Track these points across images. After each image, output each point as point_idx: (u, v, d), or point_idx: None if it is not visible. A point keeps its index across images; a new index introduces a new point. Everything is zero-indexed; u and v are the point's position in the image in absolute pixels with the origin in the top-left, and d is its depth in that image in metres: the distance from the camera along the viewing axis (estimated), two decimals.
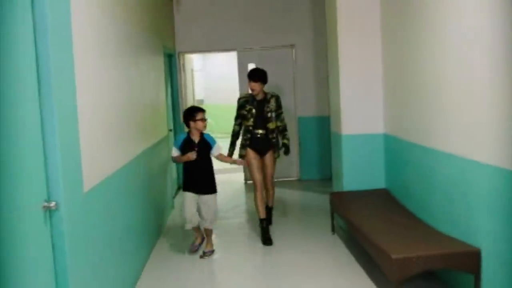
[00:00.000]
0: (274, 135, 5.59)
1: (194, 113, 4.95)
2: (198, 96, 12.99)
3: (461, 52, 3.60)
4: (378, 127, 5.49)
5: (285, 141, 5.66)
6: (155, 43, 6.20)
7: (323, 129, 8.10)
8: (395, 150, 5.16)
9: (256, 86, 5.45)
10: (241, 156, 5.56)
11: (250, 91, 5.54)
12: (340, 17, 5.45)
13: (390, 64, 5.21)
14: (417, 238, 3.86)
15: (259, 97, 5.54)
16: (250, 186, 8.25)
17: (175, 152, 5.04)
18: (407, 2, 4.61)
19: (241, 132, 5.66)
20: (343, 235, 5.40)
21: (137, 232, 4.53)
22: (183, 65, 8.56)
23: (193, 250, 5.13)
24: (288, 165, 8.41)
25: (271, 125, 5.54)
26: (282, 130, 5.66)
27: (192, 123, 4.93)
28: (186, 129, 5.17)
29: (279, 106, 5.60)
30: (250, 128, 5.52)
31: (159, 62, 6.47)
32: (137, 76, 4.92)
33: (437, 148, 4.09)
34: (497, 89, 3.15)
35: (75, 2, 3.01)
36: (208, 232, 5.11)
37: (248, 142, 5.54)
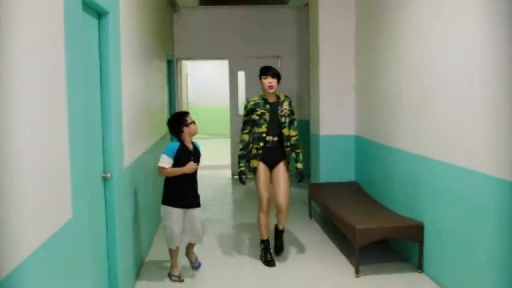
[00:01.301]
0: (288, 143, 4.88)
1: (184, 117, 4.46)
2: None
3: (414, 71, 4.66)
4: (350, 129, 6.56)
5: (299, 165, 4.95)
6: (161, 50, 7.14)
7: (304, 131, 9.11)
8: (364, 149, 6.20)
9: (274, 82, 4.76)
10: (254, 168, 4.86)
11: (267, 90, 4.80)
12: (321, 36, 6.51)
13: (361, 77, 6.27)
14: (377, 216, 4.89)
15: (272, 99, 4.84)
16: (237, 181, 9.29)
17: (167, 163, 4.32)
18: (376, 26, 5.67)
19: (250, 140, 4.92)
20: (319, 220, 6.40)
21: (149, 209, 5.47)
22: (180, 70, 9.52)
23: (195, 268, 4.75)
24: None
25: (286, 131, 4.84)
26: (295, 145, 4.96)
27: (185, 129, 4.37)
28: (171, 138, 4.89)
29: (292, 111, 4.91)
30: (264, 135, 4.78)
31: (163, 67, 7.41)
32: (151, 80, 5.86)
33: (396, 147, 5.14)
34: (444, 98, 4.21)
35: (123, 25, 3.97)
36: (193, 246, 4.75)
37: (261, 152, 4.82)
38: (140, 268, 4.73)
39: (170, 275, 4.52)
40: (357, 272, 4.49)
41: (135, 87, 4.73)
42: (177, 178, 4.35)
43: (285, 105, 4.84)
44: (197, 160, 4.47)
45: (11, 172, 1.77)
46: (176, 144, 4.38)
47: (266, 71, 4.80)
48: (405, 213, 4.84)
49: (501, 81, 3.32)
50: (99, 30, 3.46)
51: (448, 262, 4.09)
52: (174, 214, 4.37)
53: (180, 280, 4.48)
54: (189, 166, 4.35)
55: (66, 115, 2.41)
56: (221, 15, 9.41)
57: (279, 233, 5.07)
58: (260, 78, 4.86)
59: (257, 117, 4.77)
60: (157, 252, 5.23)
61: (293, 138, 4.93)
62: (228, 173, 9.94)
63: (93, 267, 2.98)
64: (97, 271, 3.23)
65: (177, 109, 9.04)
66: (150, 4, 5.91)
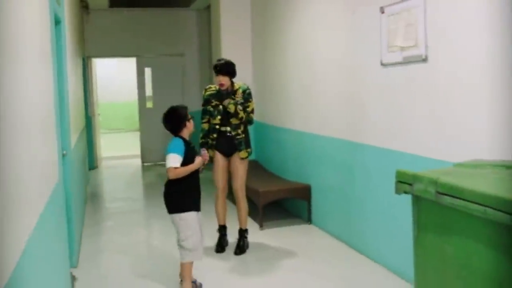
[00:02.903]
0: (239, 131, 4.90)
1: (186, 111, 4.00)
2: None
3: (302, 66, 5.95)
4: None
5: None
6: (78, 49, 7.88)
7: None
8: (261, 131, 7.43)
9: (226, 80, 4.81)
10: (210, 158, 4.83)
11: (218, 86, 4.86)
12: (223, 36, 7.66)
13: (258, 71, 7.48)
14: (275, 182, 6.13)
15: (225, 89, 4.87)
16: (147, 167, 10.23)
17: (178, 162, 3.80)
18: (269, 28, 6.91)
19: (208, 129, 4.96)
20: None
21: (80, 189, 6.28)
22: (91, 67, 10.20)
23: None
24: None
25: (234, 120, 4.86)
26: (247, 121, 4.95)
27: (188, 124, 3.94)
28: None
29: (246, 98, 4.88)
30: (217, 126, 4.88)
31: (79, 65, 8.14)
32: (75, 76, 6.65)
33: (287, 127, 6.41)
34: (322, 87, 5.51)
35: (67, 32, 4.82)
36: None
37: (215, 143, 4.92)
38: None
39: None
40: (261, 226, 5.68)
41: (71, 83, 5.55)
42: (189, 178, 3.87)
43: (238, 94, 4.88)
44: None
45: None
46: (180, 141, 3.89)
47: (218, 70, 4.81)
48: (296, 179, 6.12)
49: (364, 71, 4.65)
50: (56, 35, 4.32)
51: (330, 213, 5.40)
52: (195, 219, 3.91)
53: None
54: (198, 161, 3.95)
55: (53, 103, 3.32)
56: (129, 17, 10.24)
57: (240, 233, 5.10)
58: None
59: (211, 109, 4.90)
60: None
61: (245, 119, 4.91)
62: (138, 161, 10.79)
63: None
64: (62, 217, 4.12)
65: (91, 103, 9.79)
66: (71, 6, 6.68)
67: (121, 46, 10.24)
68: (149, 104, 10.49)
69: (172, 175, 3.80)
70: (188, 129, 3.95)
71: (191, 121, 3.97)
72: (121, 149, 12.81)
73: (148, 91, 10.46)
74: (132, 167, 10.42)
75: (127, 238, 5.67)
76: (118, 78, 17.32)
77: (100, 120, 11.62)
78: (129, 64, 14.56)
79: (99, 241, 5.62)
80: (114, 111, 17.68)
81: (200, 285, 4.07)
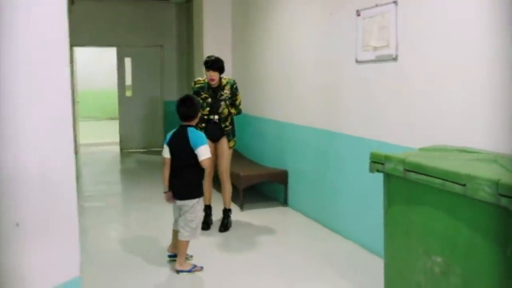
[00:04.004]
0: (227, 123, 5.37)
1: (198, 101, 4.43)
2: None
3: (281, 61, 6.42)
4: None
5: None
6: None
7: None
8: (242, 122, 7.87)
9: (216, 76, 5.21)
10: None
11: (208, 81, 5.25)
12: (205, 31, 8.09)
13: (238, 64, 7.94)
14: (255, 168, 6.61)
15: (215, 84, 5.28)
16: (126, 153, 10.57)
17: (210, 152, 4.17)
18: (247, 27, 7.36)
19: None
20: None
21: None
22: (73, 56, 10.45)
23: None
24: (154, 137, 10.80)
25: (225, 112, 5.28)
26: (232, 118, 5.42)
27: (199, 114, 4.36)
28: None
29: (234, 93, 5.33)
30: (206, 116, 5.24)
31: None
32: None
33: (267, 117, 6.89)
34: (300, 80, 6.01)
35: None
36: None
37: (203, 130, 5.09)
38: None
39: (182, 271, 4.26)
40: (241, 208, 6.16)
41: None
42: (200, 166, 4.18)
43: (227, 89, 5.30)
44: None
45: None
46: (201, 133, 4.25)
47: (208, 65, 5.19)
48: (275, 165, 6.61)
49: (334, 65, 5.15)
50: None
51: (306, 196, 5.91)
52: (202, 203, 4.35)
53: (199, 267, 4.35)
54: (208, 150, 4.19)
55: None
56: (112, 8, 10.56)
57: (224, 213, 5.54)
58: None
59: (201, 101, 5.12)
60: None
61: (234, 114, 5.40)
62: (117, 148, 11.12)
63: None
64: None
65: (76, 91, 10.07)
66: None
67: (103, 36, 10.55)
68: (128, 93, 10.81)
69: (207, 166, 4.16)
70: (198, 119, 4.30)
71: (200, 111, 4.32)
72: (98, 136, 13.07)
73: (128, 80, 10.78)
74: (110, 154, 10.74)
75: (104, 219, 6.08)
76: (95, 66, 17.50)
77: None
78: (106, 53, 14.82)
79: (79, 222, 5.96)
80: (93, 99, 17.86)
81: (191, 256, 4.51)
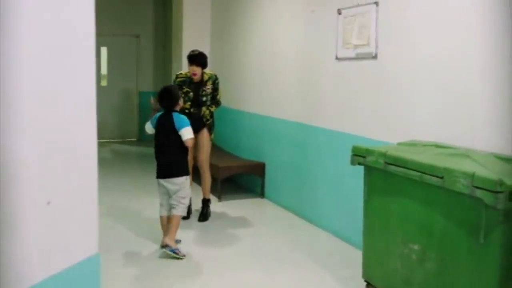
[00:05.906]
0: (208, 117, 5.51)
1: (178, 90, 4.76)
2: None
3: (259, 56, 6.56)
4: None
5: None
6: None
7: None
8: (220, 115, 7.96)
9: (198, 70, 5.32)
10: None
11: (191, 75, 5.36)
12: (185, 22, 8.16)
13: (216, 57, 8.04)
14: (233, 160, 6.75)
15: (197, 79, 5.38)
16: (102, 143, 10.54)
17: (192, 133, 4.54)
18: (226, 21, 7.47)
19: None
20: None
21: None
22: None
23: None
24: (129, 127, 10.80)
25: (205, 109, 5.43)
26: (211, 113, 5.53)
27: (180, 101, 4.67)
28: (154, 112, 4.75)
29: (215, 88, 5.47)
30: (187, 110, 5.30)
31: None
32: None
33: (245, 110, 7.02)
34: (279, 76, 6.15)
35: None
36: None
37: None
38: None
39: (169, 248, 4.40)
40: (219, 198, 6.28)
41: None
42: (184, 146, 4.54)
43: (208, 85, 5.41)
44: None
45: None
46: (183, 116, 4.57)
47: (191, 60, 5.32)
48: (253, 158, 6.75)
49: (309, 60, 5.32)
50: None
51: (282, 188, 6.07)
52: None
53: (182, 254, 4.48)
54: (191, 131, 4.54)
55: None
56: None
57: (204, 203, 5.65)
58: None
59: (182, 95, 5.13)
60: None
61: (211, 110, 5.51)
62: None
63: None
64: None
65: None
66: None
67: None
68: (103, 83, 10.77)
69: (190, 144, 4.54)
70: (180, 105, 4.64)
71: (181, 98, 4.71)
72: None
73: (103, 69, 10.73)
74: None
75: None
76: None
77: None
78: None
79: None
80: None
81: (180, 241, 4.74)
